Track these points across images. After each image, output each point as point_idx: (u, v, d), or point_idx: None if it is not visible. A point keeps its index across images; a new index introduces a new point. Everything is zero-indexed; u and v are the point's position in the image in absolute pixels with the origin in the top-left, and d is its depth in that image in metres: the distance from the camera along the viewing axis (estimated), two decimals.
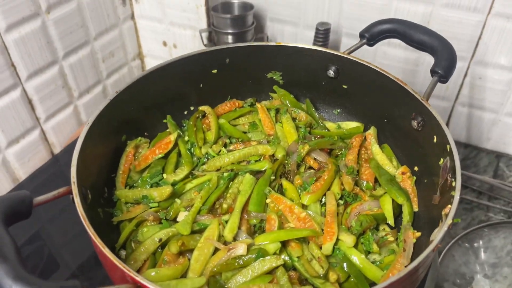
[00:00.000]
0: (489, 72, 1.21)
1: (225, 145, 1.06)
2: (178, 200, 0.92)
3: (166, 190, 0.90)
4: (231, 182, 0.95)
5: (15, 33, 1.12)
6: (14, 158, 1.22)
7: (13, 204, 0.66)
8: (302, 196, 0.91)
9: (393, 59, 1.31)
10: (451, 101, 1.31)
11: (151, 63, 1.62)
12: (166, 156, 1.01)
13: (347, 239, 0.82)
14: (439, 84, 0.92)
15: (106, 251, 0.65)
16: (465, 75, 1.25)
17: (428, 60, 1.25)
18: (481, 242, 1.06)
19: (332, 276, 0.79)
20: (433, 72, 0.92)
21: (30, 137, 1.25)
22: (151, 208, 0.91)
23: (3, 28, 1.08)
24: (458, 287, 0.99)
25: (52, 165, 1.28)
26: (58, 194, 0.72)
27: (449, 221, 0.67)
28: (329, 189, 0.94)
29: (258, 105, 1.13)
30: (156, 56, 1.59)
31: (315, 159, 1.00)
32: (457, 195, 0.71)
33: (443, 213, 0.72)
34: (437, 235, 0.67)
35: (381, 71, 0.97)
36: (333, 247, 0.83)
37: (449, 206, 0.70)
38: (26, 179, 1.24)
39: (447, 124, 1.35)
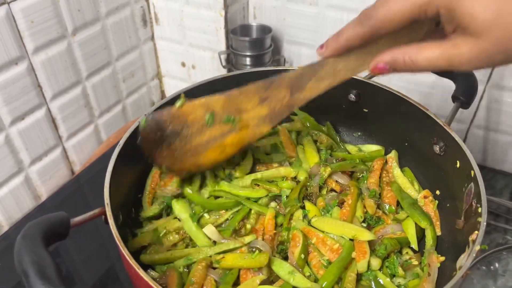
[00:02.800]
0: (505, 96, 1.23)
1: None
2: (206, 215, 0.94)
3: None
4: None
5: (42, 54, 1.15)
6: (36, 175, 1.24)
7: (52, 225, 0.68)
8: None
9: (408, 81, 1.33)
10: (467, 123, 1.33)
11: (169, 83, 1.65)
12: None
13: (373, 262, 0.83)
14: None
15: (141, 273, 0.67)
16: (481, 98, 1.27)
17: (443, 83, 1.27)
18: (498, 265, 1.07)
19: None
20: (454, 98, 0.94)
21: (52, 155, 1.28)
22: None
23: (31, 50, 1.12)
24: None
25: (74, 183, 1.30)
26: (93, 215, 0.74)
27: (477, 247, 0.68)
28: None
29: (279, 127, 1.14)
30: (174, 77, 1.62)
31: (337, 181, 1.01)
32: (483, 221, 0.72)
33: (470, 239, 0.73)
34: (466, 261, 0.68)
35: (402, 96, 0.99)
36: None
37: (476, 232, 0.71)
38: (49, 198, 1.26)
39: None
